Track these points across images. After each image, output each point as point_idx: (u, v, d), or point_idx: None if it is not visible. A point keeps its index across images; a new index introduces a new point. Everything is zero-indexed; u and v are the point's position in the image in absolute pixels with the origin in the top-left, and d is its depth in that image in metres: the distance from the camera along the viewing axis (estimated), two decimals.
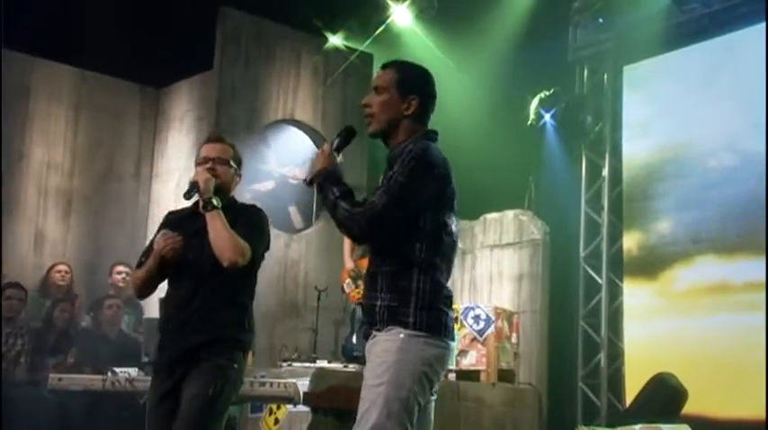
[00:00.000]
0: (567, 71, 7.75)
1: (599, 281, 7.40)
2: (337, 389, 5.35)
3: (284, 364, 6.22)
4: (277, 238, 7.79)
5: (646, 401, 4.37)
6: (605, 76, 7.73)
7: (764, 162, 5.98)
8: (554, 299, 7.24)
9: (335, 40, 8.60)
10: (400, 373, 2.49)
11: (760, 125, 6.21)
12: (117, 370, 4.60)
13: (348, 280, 6.65)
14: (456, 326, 6.73)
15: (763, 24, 6.38)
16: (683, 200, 6.79)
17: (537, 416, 6.86)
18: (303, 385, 5.35)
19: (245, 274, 3.26)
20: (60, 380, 4.56)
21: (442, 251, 2.61)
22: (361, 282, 6.41)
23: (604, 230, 7.46)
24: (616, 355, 7.25)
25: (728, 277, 6.39)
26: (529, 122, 7.42)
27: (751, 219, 6.33)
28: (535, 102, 7.39)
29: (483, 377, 6.58)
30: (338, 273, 7.38)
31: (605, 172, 7.53)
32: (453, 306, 2.67)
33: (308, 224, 8.07)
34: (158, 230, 3.41)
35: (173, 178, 8.05)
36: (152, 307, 7.24)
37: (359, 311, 6.55)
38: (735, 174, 6.49)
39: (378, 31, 9.85)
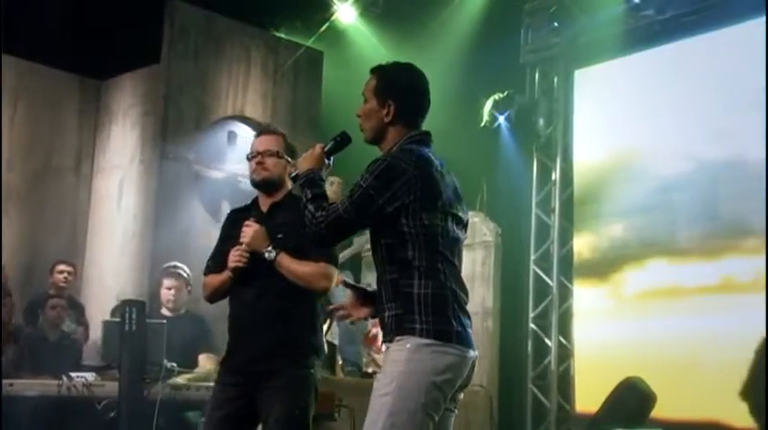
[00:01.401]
0: (520, 74, 7.79)
1: (549, 283, 7.46)
2: None
3: None
4: None
5: (615, 406, 4.40)
6: (556, 80, 7.80)
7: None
8: (505, 301, 7.27)
9: (284, 37, 8.50)
10: (407, 384, 2.43)
11: (718, 133, 6.35)
12: (73, 375, 4.40)
13: None
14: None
15: (711, 33, 6.56)
16: (634, 204, 6.89)
17: (488, 417, 6.89)
18: None
19: None
20: (12, 385, 4.34)
21: (439, 253, 2.54)
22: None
23: (555, 233, 7.52)
24: (566, 357, 7.31)
25: (679, 281, 6.50)
26: (482, 124, 7.42)
27: (701, 224, 6.46)
28: (489, 104, 7.40)
29: None
30: None
31: (556, 175, 7.59)
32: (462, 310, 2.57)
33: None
34: (222, 230, 3.36)
35: (116, 174, 7.80)
36: (95, 307, 7.02)
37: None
38: (686, 179, 6.61)
39: (322, 29, 9.79)
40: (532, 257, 7.57)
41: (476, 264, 7.42)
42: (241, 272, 3.15)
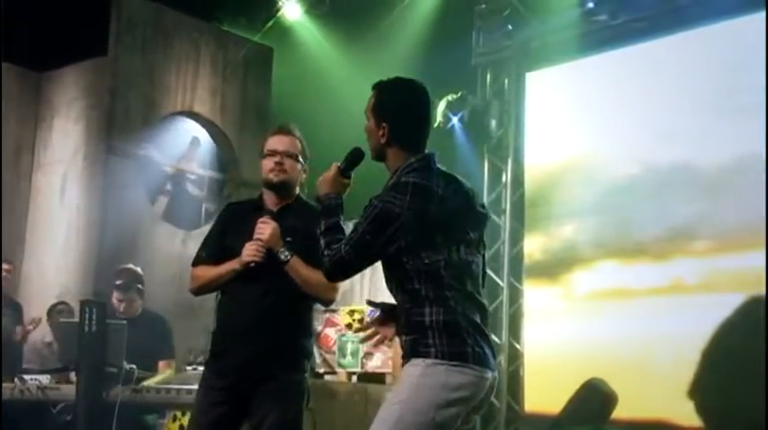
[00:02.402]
0: (472, 75, 7.82)
1: (500, 283, 7.49)
2: None
3: (189, 368, 5.96)
4: (173, 236, 7.48)
5: (578, 407, 4.44)
6: (507, 82, 7.84)
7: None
8: None
9: (233, 32, 8.39)
10: (419, 397, 2.41)
11: (668, 136, 6.47)
12: (26, 377, 4.24)
13: None
14: (361, 328, 6.76)
15: (661, 39, 6.68)
16: (585, 206, 6.97)
17: None
18: None
19: None
20: None
21: (445, 284, 2.51)
22: None
23: (505, 234, 7.56)
24: (515, 358, 7.37)
25: (629, 282, 6.60)
26: (436, 125, 7.41)
27: (651, 227, 6.57)
28: (442, 104, 7.40)
29: (389, 379, 6.55)
30: None
31: (506, 176, 7.64)
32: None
33: (185, 224, 7.72)
34: (218, 223, 3.25)
35: (58, 168, 7.57)
36: (35, 306, 6.79)
37: None
38: (636, 182, 6.72)
39: (268, 25, 9.70)
40: None
41: None
42: (248, 269, 3.08)
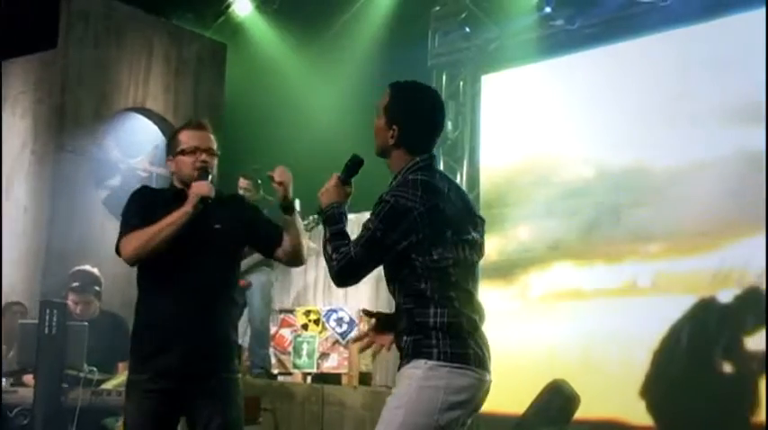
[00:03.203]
0: (428, 77, 7.85)
1: None
2: None
3: None
4: None
5: (542, 408, 4.50)
6: (462, 84, 7.90)
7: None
8: None
9: (186, 28, 8.27)
10: (421, 399, 2.41)
11: (621, 141, 6.59)
12: None
13: None
14: (317, 329, 6.74)
15: (616, 45, 6.81)
16: (540, 208, 7.06)
17: None
18: None
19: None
20: None
21: (452, 283, 2.53)
22: None
23: None
24: None
25: (582, 284, 6.71)
26: None
27: (603, 229, 6.69)
28: None
29: (345, 380, 6.54)
30: None
31: (462, 177, 7.69)
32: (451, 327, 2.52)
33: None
34: (141, 203, 3.08)
35: (4, 165, 7.34)
36: None
37: None
38: (589, 185, 6.83)
39: (219, 21, 9.59)
40: None
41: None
42: (176, 264, 2.94)
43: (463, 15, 7.46)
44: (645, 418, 6.24)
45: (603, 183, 6.76)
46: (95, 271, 4.96)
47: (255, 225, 3.18)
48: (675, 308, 6.19)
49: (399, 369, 2.57)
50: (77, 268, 4.97)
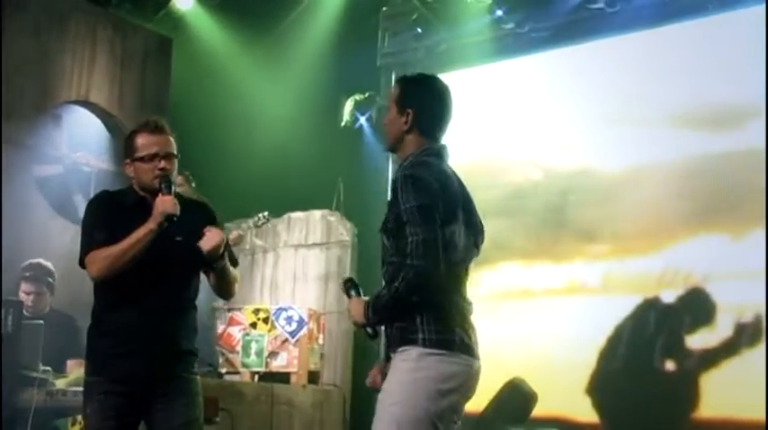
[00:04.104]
0: (378, 76, 7.87)
1: None
2: None
3: None
4: (65, 230, 7.13)
5: (501, 406, 4.56)
6: None
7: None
8: None
9: (130, 20, 8.09)
10: (414, 392, 2.43)
11: (568, 144, 6.72)
12: None
13: None
14: (266, 328, 6.68)
15: (565, 49, 6.95)
16: (488, 208, 7.05)
17: (341, 416, 6.91)
18: None
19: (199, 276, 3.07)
20: None
21: (447, 264, 2.53)
22: None
23: None
24: None
25: (530, 283, 6.81)
26: (343, 124, 7.42)
27: (550, 230, 6.81)
28: (349, 104, 7.41)
29: (294, 379, 6.50)
30: None
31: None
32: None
33: (79, 218, 7.41)
34: (102, 213, 3.02)
35: None
36: None
37: None
38: (538, 187, 6.94)
39: (160, 14, 9.41)
40: None
41: (331, 264, 7.42)
42: (141, 269, 2.91)
43: (414, 16, 7.48)
44: (590, 415, 6.38)
45: (551, 184, 6.88)
46: (49, 264, 4.86)
47: None
48: (622, 307, 6.35)
49: (388, 356, 2.61)
50: (30, 261, 4.86)
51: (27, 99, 6.95)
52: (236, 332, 6.76)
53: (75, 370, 4.66)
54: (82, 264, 3.01)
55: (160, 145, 3.03)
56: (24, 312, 4.62)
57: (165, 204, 2.92)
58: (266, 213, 6.69)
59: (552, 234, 6.79)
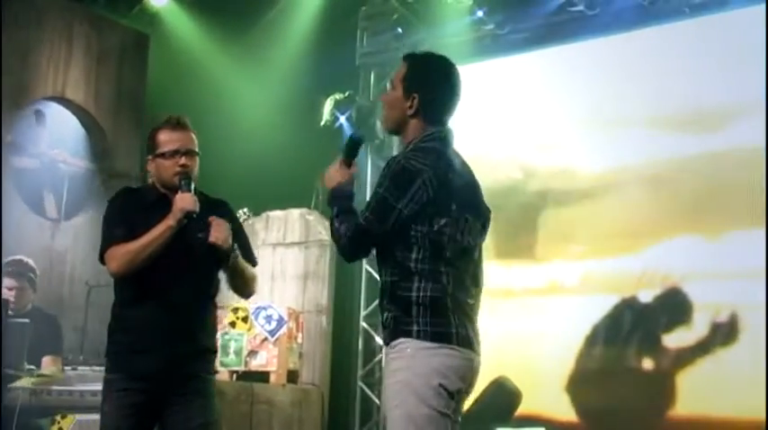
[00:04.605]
0: (356, 75, 7.88)
1: None
2: None
3: (67, 368, 5.67)
4: (42, 228, 7.05)
5: (487, 404, 4.59)
6: (387, 85, 7.93)
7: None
8: (338, 299, 7.32)
9: (107, 15, 8.01)
10: (416, 390, 2.37)
11: (547, 144, 6.78)
12: None
13: None
14: (245, 327, 6.65)
15: (544, 50, 7.01)
16: None
17: (320, 415, 6.91)
18: None
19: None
20: None
21: (444, 258, 2.47)
22: None
23: None
24: None
25: (509, 283, 6.85)
26: (322, 123, 7.41)
27: (529, 229, 6.86)
28: (329, 103, 7.40)
29: (273, 378, 6.49)
30: None
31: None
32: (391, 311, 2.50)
33: (61, 216, 7.28)
34: (122, 210, 3.02)
35: None
36: None
37: None
38: (518, 186, 6.99)
39: (134, 10, 9.33)
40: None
41: (310, 263, 7.41)
42: (160, 265, 2.92)
43: (395, 17, 7.49)
44: (569, 414, 6.45)
45: (530, 184, 6.94)
46: (30, 261, 4.82)
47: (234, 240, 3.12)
48: (601, 307, 6.42)
49: (384, 345, 2.56)
50: (12, 257, 4.82)
51: (4, 94, 6.85)
52: None
53: (51, 365, 4.63)
54: (102, 259, 3.02)
55: (181, 141, 3.05)
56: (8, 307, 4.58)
57: (183, 201, 2.93)
58: (245, 210, 6.65)
59: (531, 234, 6.85)
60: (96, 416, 4.86)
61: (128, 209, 3.05)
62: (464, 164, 2.66)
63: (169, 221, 2.92)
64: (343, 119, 7.38)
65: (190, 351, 2.98)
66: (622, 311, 6.43)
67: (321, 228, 7.39)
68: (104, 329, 7.16)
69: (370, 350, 7.61)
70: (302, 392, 6.75)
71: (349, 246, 2.48)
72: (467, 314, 2.52)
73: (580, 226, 6.65)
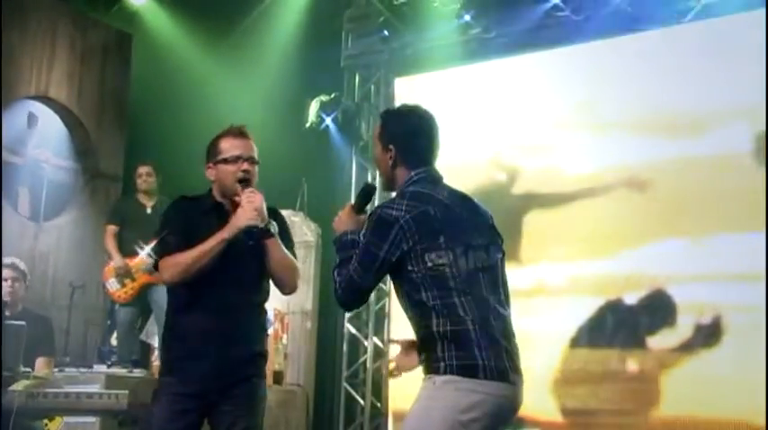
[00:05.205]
0: (341, 77, 7.89)
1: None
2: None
3: (54, 370, 5.62)
4: (25, 229, 6.99)
5: None
6: (373, 86, 7.97)
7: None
8: (323, 301, 7.32)
9: (91, 15, 7.95)
10: (434, 421, 2.39)
11: (532, 146, 6.85)
12: None
13: (112, 278, 6.11)
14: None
15: (528, 55, 7.08)
16: None
17: (305, 416, 6.92)
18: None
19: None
20: None
21: (453, 289, 2.48)
22: (128, 281, 5.99)
23: None
24: (378, 356, 7.50)
25: None
26: (308, 124, 7.41)
27: (515, 231, 6.91)
28: (315, 104, 7.41)
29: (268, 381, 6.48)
30: (94, 268, 6.80)
31: (371, 178, 7.75)
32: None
33: (39, 215, 7.20)
34: (178, 216, 3.07)
35: None
36: None
37: (122, 312, 6.11)
38: (503, 188, 7.05)
39: (114, 9, 9.26)
40: None
41: None
42: (214, 271, 2.95)
43: (381, 19, 7.52)
44: (554, 415, 6.51)
45: (516, 186, 6.99)
46: (22, 264, 4.79)
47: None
48: (586, 309, 6.48)
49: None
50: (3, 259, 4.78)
51: None
52: None
53: (43, 367, 4.59)
54: (157, 268, 3.09)
55: (243, 148, 3.10)
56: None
57: (240, 219, 2.95)
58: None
59: (516, 236, 6.89)
60: (85, 419, 4.90)
61: (182, 218, 3.09)
62: (454, 194, 2.69)
63: (223, 235, 2.96)
64: (328, 120, 7.39)
65: (241, 355, 3.02)
66: (607, 313, 6.50)
67: (306, 230, 7.38)
68: (88, 330, 7.11)
69: (355, 352, 7.63)
70: (287, 393, 6.75)
71: (343, 296, 2.57)
72: (494, 341, 2.50)
73: (565, 228, 6.71)
